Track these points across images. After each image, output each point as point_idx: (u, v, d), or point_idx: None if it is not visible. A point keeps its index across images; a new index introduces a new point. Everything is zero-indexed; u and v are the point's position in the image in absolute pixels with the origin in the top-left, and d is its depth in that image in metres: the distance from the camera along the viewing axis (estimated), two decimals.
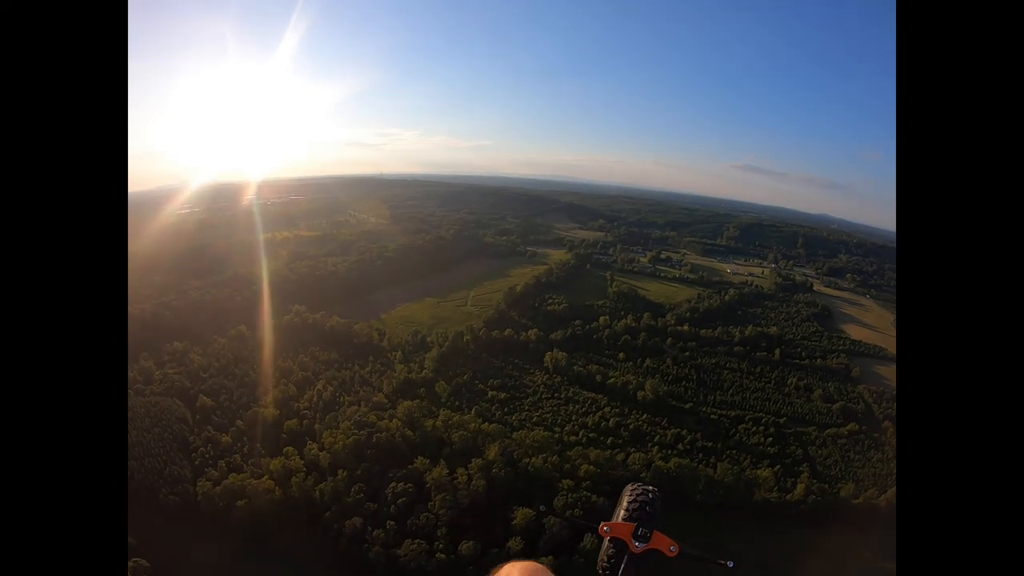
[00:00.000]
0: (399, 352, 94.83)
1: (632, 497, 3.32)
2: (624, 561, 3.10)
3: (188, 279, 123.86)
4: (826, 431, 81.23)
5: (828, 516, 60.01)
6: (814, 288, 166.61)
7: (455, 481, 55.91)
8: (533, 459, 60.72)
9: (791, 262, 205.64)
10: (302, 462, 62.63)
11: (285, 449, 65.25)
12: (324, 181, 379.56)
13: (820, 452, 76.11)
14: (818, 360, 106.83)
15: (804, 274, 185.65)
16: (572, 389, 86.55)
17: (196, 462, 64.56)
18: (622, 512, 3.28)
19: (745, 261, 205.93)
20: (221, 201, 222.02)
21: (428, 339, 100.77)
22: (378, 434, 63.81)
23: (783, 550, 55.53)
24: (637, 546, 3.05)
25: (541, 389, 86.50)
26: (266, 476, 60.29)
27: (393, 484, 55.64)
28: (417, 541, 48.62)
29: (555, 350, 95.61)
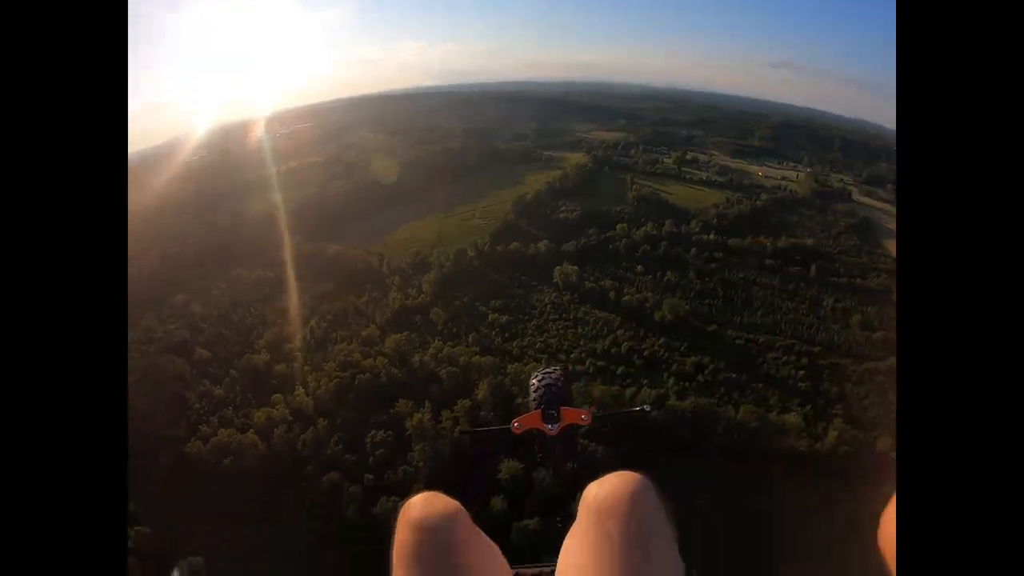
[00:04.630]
0: (396, 277, 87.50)
1: (535, 386, 3.10)
2: (547, 448, 2.94)
3: (190, 226, 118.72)
4: (863, 364, 69.78)
5: (861, 472, 51.27)
6: (852, 197, 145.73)
7: (439, 427, 50.28)
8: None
9: (827, 167, 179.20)
10: (287, 411, 58.04)
11: (273, 397, 61.05)
12: (332, 105, 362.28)
13: (856, 391, 65.44)
14: (857, 279, 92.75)
15: (842, 180, 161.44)
16: (583, 308, 78.09)
17: (191, 419, 60.90)
18: (532, 405, 3.06)
19: (778, 164, 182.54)
20: (229, 141, 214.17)
21: (430, 260, 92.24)
22: (361, 375, 58.32)
23: (808, 507, 47.33)
24: (551, 428, 2.92)
25: (548, 309, 78.41)
26: (251, 430, 56.41)
27: (372, 432, 50.62)
28: (392, 499, 43.25)
29: (565, 264, 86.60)
